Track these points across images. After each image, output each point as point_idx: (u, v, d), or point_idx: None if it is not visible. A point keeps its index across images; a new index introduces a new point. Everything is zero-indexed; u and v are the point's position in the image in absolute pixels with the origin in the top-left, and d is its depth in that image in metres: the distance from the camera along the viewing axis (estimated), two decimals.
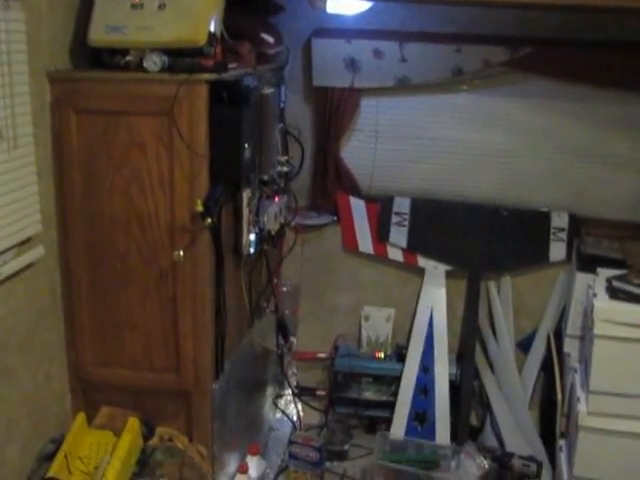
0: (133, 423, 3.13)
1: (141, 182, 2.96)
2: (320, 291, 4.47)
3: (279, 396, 4.36)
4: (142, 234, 3.02)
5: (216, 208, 2.90)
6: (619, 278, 3.33)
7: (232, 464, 3.54)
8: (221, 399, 3.26)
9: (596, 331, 3.24)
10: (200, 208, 2.85)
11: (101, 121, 2.94)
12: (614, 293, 3.29)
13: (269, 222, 3.45)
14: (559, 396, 3.81)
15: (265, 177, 3.42)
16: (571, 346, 3.78)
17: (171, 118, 2.85)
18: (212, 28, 2.94)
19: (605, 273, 3.48)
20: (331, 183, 4.25)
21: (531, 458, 3.82)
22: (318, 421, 4.39)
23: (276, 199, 3.54)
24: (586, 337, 3.51)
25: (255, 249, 3.40)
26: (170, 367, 3.16)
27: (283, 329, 4.00)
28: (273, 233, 3.54)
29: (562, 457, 3.65)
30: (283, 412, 4.32)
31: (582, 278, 3.73)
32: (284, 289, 4.36)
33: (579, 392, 3.44)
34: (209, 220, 2.86)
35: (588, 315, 3.41)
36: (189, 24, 2.92)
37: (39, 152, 2.90)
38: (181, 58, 2.89)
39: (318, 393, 4.46)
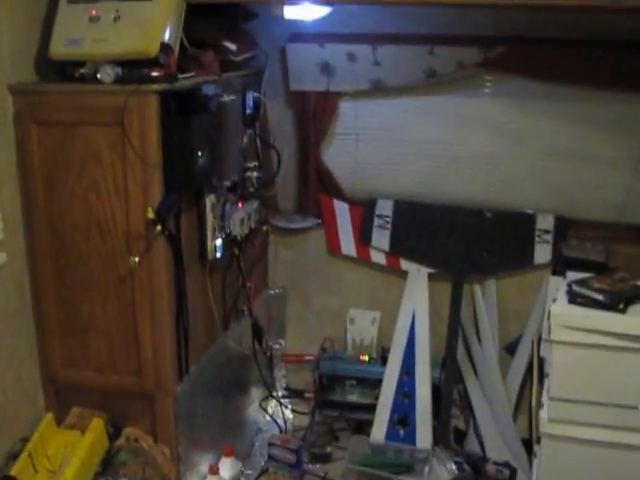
0: (97, 423, 3.34)
1: (98, 190, 3.16)
2: (306, 294, 4.64)
3: (266, 399, 4.52)
4: (102, 240, 3.22)
5: (168, 215, 3.10)
6: (580, 282, 3.39)
7: (204, 465, 3.72)
8: (186, 401, 3.44)
9: (553, 336, 3.32)
10: (151, 215, 3.06)
11: (60, 132, 3.15)
12: (573, 297, 3.36)
13: (235, 227, 3.65)
14: (533, 401, 3.91)
15: (228, 183, 3.61)
16: (546, 350, 3.85)
17: (122, 128, 3.05)
18: (166, 38, 3.13)
19: (574, 277, 3.55)
20: (314, 187, 4.42)
21: (506, 464, 3.93)
22: (306, 424, 4.54)
23: (240, 205, 3.72)
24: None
25: (222, 254, 3.60)
26: (132, 369, 3.36)
27: (258, 333, 4.16)
28: (240, 238, 3.72)
29: (535, 463, 3.74)
30: (270, 415, 4.49)
31: (555, 282, 3.77)
32: (270, 292, 4.55)
33: (544, 398, 3.53)
34: (159, 227, 3.06)
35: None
36: (141, 35, 3.12)
37: (1, 162, 3.13)
38: (135, 69, 3.08)
39: (306, 395, 4.61)
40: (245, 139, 3.82)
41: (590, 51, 3.91)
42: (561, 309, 3.34)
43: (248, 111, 3.81)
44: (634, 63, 3.88)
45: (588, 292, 3.34)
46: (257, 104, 3.94)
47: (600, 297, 3.30)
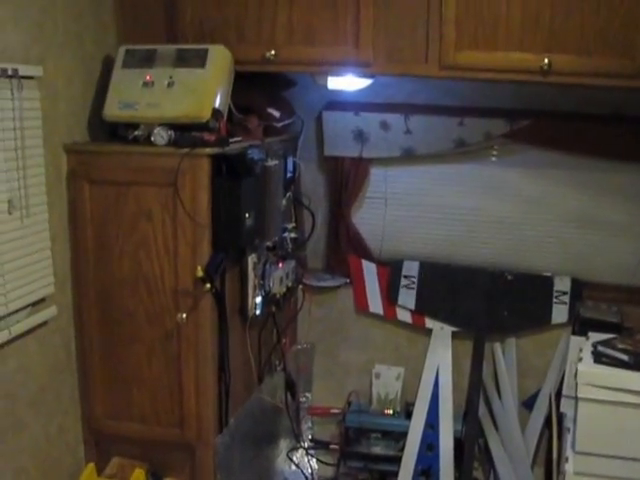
0: (138, 474, 3.22)
1: (148, 248, 3.08)
2: (334, 349, 4.52)
3: (293, 450, 4.38)
4: (149, 296, 3.13)
5: (216, 274, 3.01)
6: (604, 343, 3.34)
7: None
8: (225, 452, 3.33)
9: (580, 394, 3.25)
10: (200, 274, 2.97)
11: (112, 191, 3.08)
12: (598, 357, 3.30)
13: (274, 285, 3.55)
14: (555, 455, 3.81)
15: (270, 243, 3.51)
16: (567, 406, 3.76)
17: (175, 189, 2.96)
18: (217, 104, 3.06)
19: (596, 337, 3.49)
20: (344, 247, 4.33)
21: None
22: (331, 474, 4.41)
23: (280, 264, 3.62)
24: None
25: (262, 311, 3.49)
26: (175, 421, 3.25)
27: (291, 387, 4.05)
28: (278, 296, 3.61)
29: None
30: (297, 465, 4.35)
31: (576, 341, 3.73)
32: (299, 347, 4.43)
33: (568, 452, 3.44)
34: (208, 285, 2.96)
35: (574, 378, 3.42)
36: (194, 101, 3.07)
37: (53, 219, 3.05)
38: (187, 132, 3.01)
39: (331, 447, 4.49)
40: (284, 201, 3.71)
41: (607, 125, 3.88)
42: (588, 368, 3.28)
43: (288, 175, 3.72)
44: None
45: (613, 352, 3.30)
46: (295, 168, 3.85)
47: (625, 357, 3.26)
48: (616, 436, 3.25)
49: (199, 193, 2.98)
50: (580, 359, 3.35)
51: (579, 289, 4.15)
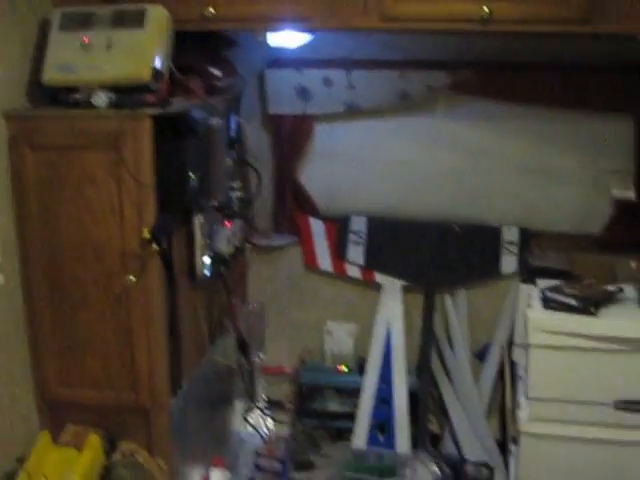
0: (93, 440, 3.20)
1: (93, 212, 3.05)
2: (285, 308, 4.54)
3: (248, 410, 4.41)
4: (97, 261, 3.10)
5: (163, 235, 3.00)
6: (553, 289, 3.41)
7: (196, 476, 3.61)
8: (180, 414, 3.34)
9: (530, 340, 3.31)
10: (147, 236, 2.95)
11: (55, 156, 3.03)
12: (547, 303, 3.37)
13: (222, 245, 3.55)
14: (508, 403, 3.88)
15: (216, 203, 3.51)
16: (519, 355, 3.82)
17: (118, 151, 2.94)
18: (157, 65, 3.03)
19: (544, 284, 3.56)
20: (291, 205, 4.34)
21: (484, 464, 3.89)
22: (287, 433, 4.44)
23: (227, 224, 3.62)
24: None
25: (210, 271, 3.49)
26: (128, 386, 3.23)
27: (243, 347, 4.06)
28: (227, 256, 3.61)
29: (512, 462, 3.71)
30: (252, 426, 4.38)
31: (525, 289, 3.78)
32: (250, 307, 4.44)
33: (521, 399, 3.50)
34: (155, 247, 2.95)
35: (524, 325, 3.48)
36: (134, 62, 3.01)
37: None
38: (128, 94, 2.97)
39: (286, 406, 4.52)
40: (229, 161, 3.70)
41: (550, 74, 3.93)
42: (537, 314, 3.36)
43: (231, 134, 3.71)
44: (587, 83, 3.92)
45: (561, 297, 3.36)
46: (238, 127, 3.84)
47: (573, 302, 3.32)
48: (567, 381, 3.32)
49: (142, 154, 2.95)
50: (529, 306, 3.41)
51: (528, 239, 4.20)
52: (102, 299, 3.15)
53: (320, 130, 4.27)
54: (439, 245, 4.25)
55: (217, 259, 3.55)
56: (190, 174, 3.06)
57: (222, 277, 3.73)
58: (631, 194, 4.08)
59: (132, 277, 3.03)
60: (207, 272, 3.46)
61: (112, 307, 3.15)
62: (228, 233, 3.62)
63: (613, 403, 3.30)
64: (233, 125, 3.75)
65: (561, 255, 4.06)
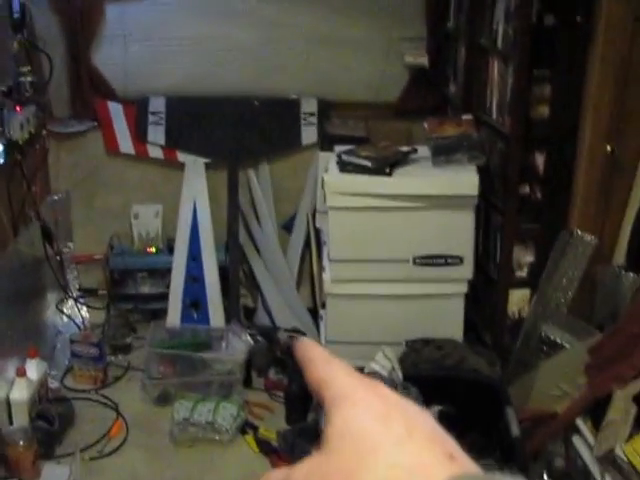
0: None
1: None
2: (90, 195, 4.48)
3: (62, 301, 4.39)
4: None
5: None
6: (348, 152, 3.49)
7: (11, 370, 3.58)
8: None
9: (328, 203, 3.42)
10: None
11: None
12: (343, 166, 3.46)
13: (15, 132, 3.46)
14: (315, 270, 4.01)
15: (4, 88, 3.41)
16: (322, 221, 3.92)
17: None
18: None
19: (341, 150, 3.63)
20: (87, 90, 4.24)
21: (295, 330, 4.04)
22: (102, 320, 4.43)
23: (18, 109, 3.53)
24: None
25: (5, 159, 3.41)
26: None
27: (48, 236, 4.00)
28: (21, 143, 3.54)
29: (322, 325, 3.86)
30: (67, 316, 4.36)
31: (324, 157, 3.85)
32: (54, 197, 4.37)
33: (325, 262, 3.63)
34: None
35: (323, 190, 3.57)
36: None
37: None
38: None
39: (100, 293, 4.50)
40: (15, 44, 3.59)
41: None
42: (333, 177, 3.45)
43: (15, 15, 3.58)
44: None
45: (356, 160, 3.44)
46: (22, 8, 3.70)
47: (368, 163, 3.41)
48: (367, 241, 3.47)
49: None
50: (326, 170, 3.50)
51: (326, 109, 4.29)
52: None
53: (112, 10, 4.16)
54: (239, 120, 4.28)
55: (11, 146, 3.47)
56: None
57: (19, 165, 3.65)
58: (424, 60, 4.22)
59: None
60: (1, 160, 3.39)
61: None
62: (20, 118, 3.53)
63: (412, 259, 3.45)
64: (16, 6, 3.61)
65: (359, 123, 4.18)
